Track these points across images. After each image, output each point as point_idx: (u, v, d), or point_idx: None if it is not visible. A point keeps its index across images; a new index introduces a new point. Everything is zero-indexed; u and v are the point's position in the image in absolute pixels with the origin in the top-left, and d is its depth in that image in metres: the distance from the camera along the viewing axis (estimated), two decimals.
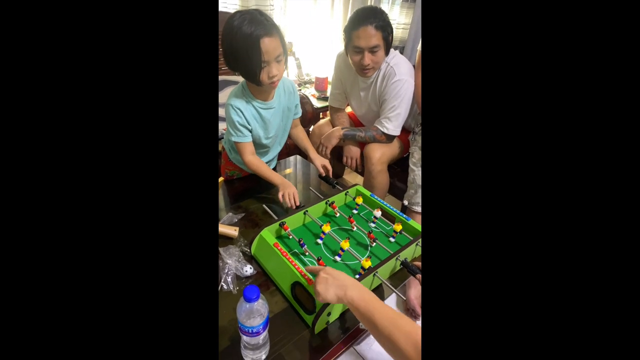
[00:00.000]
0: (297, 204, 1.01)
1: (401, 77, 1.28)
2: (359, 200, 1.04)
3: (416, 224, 0.96)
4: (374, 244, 0.92)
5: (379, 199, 1.05)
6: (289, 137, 1.28)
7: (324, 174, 1.17)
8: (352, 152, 1.47)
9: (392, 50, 1.30)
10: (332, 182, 1.13)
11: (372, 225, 1.01)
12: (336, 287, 0.62)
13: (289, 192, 1.02)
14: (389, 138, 1.39)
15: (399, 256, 0.83)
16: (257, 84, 0.98)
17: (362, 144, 1.45)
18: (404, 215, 0.99)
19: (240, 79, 1.01)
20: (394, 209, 1.01)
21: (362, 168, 1.48)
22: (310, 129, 1.72)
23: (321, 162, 1.18)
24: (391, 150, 1.41)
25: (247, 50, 0.87)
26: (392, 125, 1.34)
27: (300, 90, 2.11)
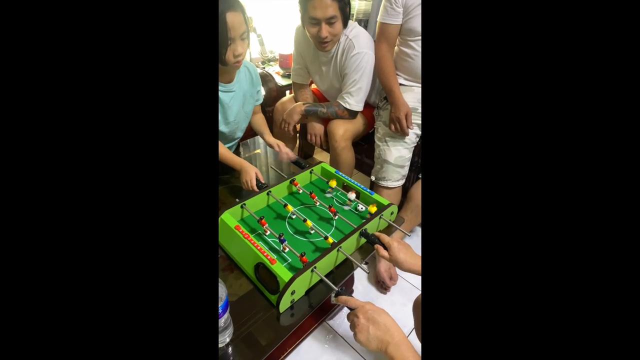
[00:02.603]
0: (262, 181, 1.00)
1: (360, 49, 1.25)
2: (333, 184, 1.02)
3: (380, 197, 0.97)
4: (337, 217, 0.92)
5: (344, 175, 1.05)
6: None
7: (280, 152, 1.14)
8: (316, 129, 1.44)
9: (350, 22, 1.27)
10: (303, 164, 1.12)
11: (329, 196, 1.01)
12: (378, 340, 0.60)
13: (247, 179, 1.00)
14: (352, 114, 1.37)
15: (362, 229, 0.83)
16: (221, 64, 0.93)
17: (325, 121, 1.43)
18: (368, 190, 0.99)
19: None
20: (357, 183, 1.02)
21: (326, 145, 1.47)
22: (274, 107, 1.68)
23: (275, 142, 1.16)
24: (355, 126, 1.40)
25: None
26: (354, 100, 1.32)
27: (264, 68, 2.04)
